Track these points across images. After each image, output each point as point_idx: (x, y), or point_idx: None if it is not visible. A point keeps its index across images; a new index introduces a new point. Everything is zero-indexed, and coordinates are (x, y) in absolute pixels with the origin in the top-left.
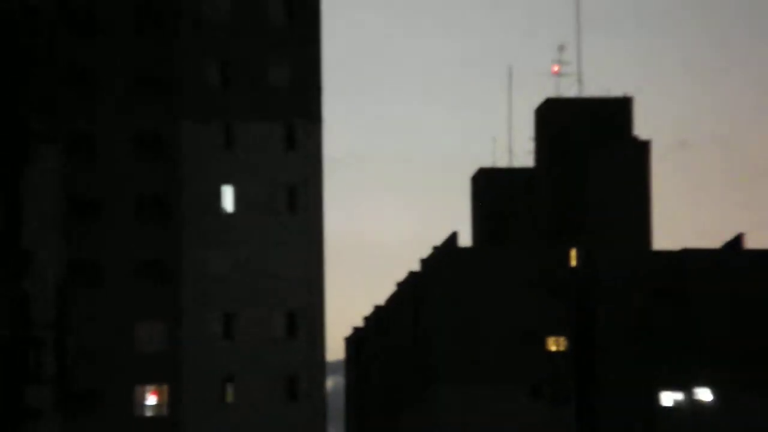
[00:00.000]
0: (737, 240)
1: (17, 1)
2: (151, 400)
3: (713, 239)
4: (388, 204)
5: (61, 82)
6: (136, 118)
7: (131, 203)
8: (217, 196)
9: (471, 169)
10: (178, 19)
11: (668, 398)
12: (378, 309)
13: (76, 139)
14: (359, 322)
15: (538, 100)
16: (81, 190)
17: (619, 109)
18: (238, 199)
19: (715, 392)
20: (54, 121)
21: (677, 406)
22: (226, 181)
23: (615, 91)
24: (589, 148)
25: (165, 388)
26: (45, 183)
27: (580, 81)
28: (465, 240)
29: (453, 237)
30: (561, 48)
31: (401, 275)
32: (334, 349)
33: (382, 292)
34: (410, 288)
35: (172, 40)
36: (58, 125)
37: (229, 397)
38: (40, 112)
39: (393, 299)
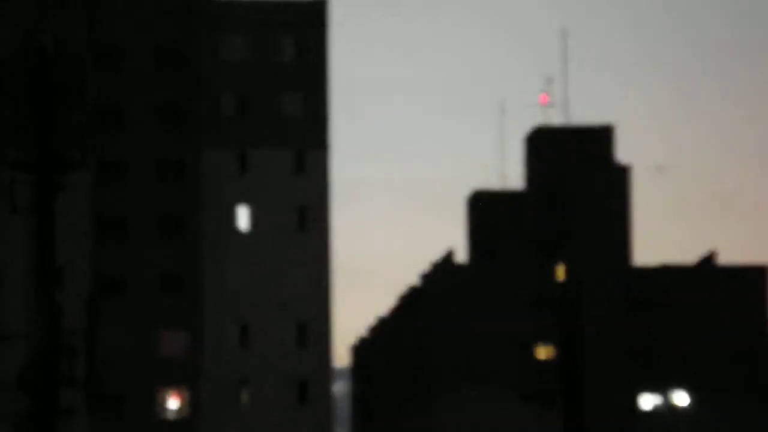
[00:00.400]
0: (710, 257)
1: (50, 38)
2: (173, 402)
3: (688, 256)
4: (391, 224)
5: (91, 113)
6: (160, 146)
7: (155, 222)
8: (233, 217)
9: (466, 192)
10: (198, 56)
11: (648, 401)
12: (381, 320)
13: (104, 164)
14: (364, 333)
15: (527, 128)
16: (108, 211)
17: (602, 136)
18: (253, 219)
19: (690, 395)
20: (84, 149)
21: (656, 409)
22: (242, 203)
23: (598, 120)
24: (574, 172)
25: (185, 391)
26: (76, 205)
27: (566, 111)
28: (461, 257)
29: (449, 254)
30: (549, 81)
31: (402, 289)
32: (341, 357)
33: (384, 304)
34: (410, 301)
35: (193, 75)
36: (89, 152)
37: (244, 400)
38: (72, 140)
39: (395, 311)
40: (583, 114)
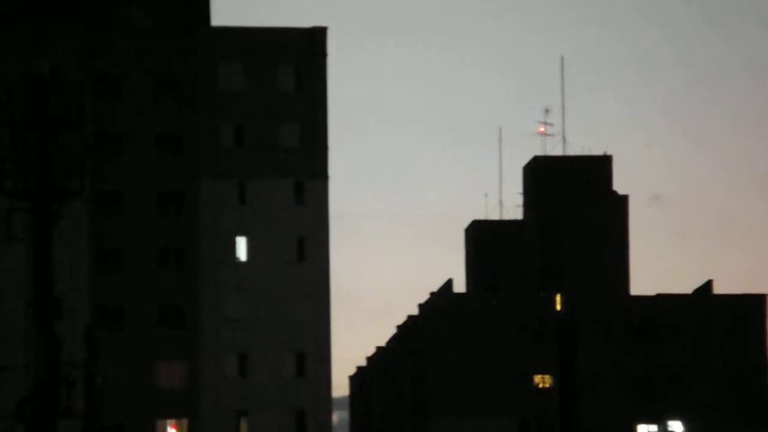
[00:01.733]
0: (707, 286)
1: (48, 67)
2: None
3: (684, 285)
4: (389, 253)
5: (89, 142)
6: (158, 176)
7: (153, 253)
8: (232, 247)
9: (465, 222)
10: (196, 86)
11: (644, 430)
12: (379, 350)
13: (102, 194)
14: (362, 362)
15: (525, 158)
16: (107, 241)
17: (600, 166)
18: (251, 249)
19: (687, 424)
20: (83, 178)
21: None
22: (240, 233)
23: (596, 150)
24: (572, 201)
25: (184, 422)
26: (74, 235)
27: (564, 141)
28: (459, 286)
29: (448, 284)
30: (547, 111)
31: (401, 319)
32: (340, 387)
33: (383, 334)
34: (409, 330)
35: (191, 105)
36: (87, 183)
37: (243, 430)
38: (70, 170)
39: (393, 341)
40: (582, 142)
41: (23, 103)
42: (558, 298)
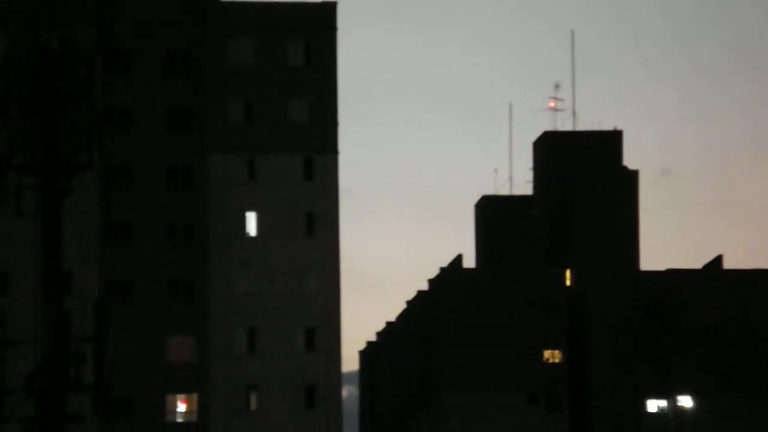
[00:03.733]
0: (716, 261)
1: (57, 41)
2: (181, 407)
3: (695, 260)
4: (399, 229)
5: (99, 117)
6: (168, 152)
7: (163, 228)
8: (241, 222)
9: (475, 197)
10: (206, 61)
11: (653, 405)
12: (389, 324)
13: (111, 170)
14: (372, 337)
15: (536, 134)
16: (116, 217)
17: (610, 141)
18: (261, 224)
19: (695, 399)
20: (91, 154)
21: (661, 412)
22: (250, 208)
23: (606, 125)
24: (582, 177)
25: (194, 396)
26: (83, 210)
27: (574, 116)
28: (469, 262)
29: (458, 259)
30: (557, 86)
31: (411, 294)
32: (350, 361)
33: (393, 309)
34: (419, 305)
35: (200, 80)
36: (96, 157)
37: (253, 405)
38: (79, 145)
39: (403, 316)
40: (591, 119)
41: (32, 77)
42: (568, 273)
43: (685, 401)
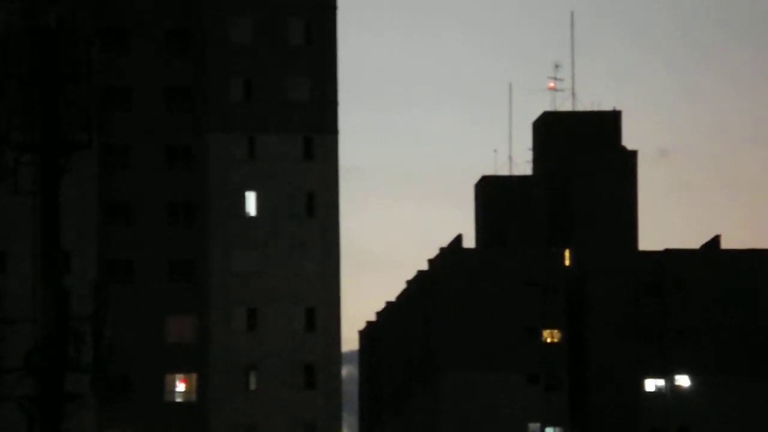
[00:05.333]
0: (714, 241)
1: (55, 18)
2: (180, 387)
3: (693, 240)
4: (399, 208)
5: (97, 95)
6: (167, 131)
7: (162, 208)
8: (241, 202)
9: (475, 177)
10: (205, 40)
11: (651, 384)
12: (389, 304)
13: (110, 148)
14: (372, 317)
15: (535, 114)
16: (116, 196)
17: (609, 121)
18: (261, 204)
19: (692, 378)
20: (90, 133)
21: (659, 391)
22: (250, 188)
23: (605, 105)
24: (581, 157)
25: (193, 376)
26: (82, 189)
27: (573, 96)
28: (469, 242)
29: (458, 239)
30: (557, 66)
31: (411, 274)
32: (349, 341)
33: (393, 289)
34: (419, 285)
35: (200, 59)
36: (95, 136)
37: (252, 384)
38: (78, 124)
39: (403, 296)
40: (591, 99)
41: (30, 55)
42: (567, 253)
43: (683, 380)
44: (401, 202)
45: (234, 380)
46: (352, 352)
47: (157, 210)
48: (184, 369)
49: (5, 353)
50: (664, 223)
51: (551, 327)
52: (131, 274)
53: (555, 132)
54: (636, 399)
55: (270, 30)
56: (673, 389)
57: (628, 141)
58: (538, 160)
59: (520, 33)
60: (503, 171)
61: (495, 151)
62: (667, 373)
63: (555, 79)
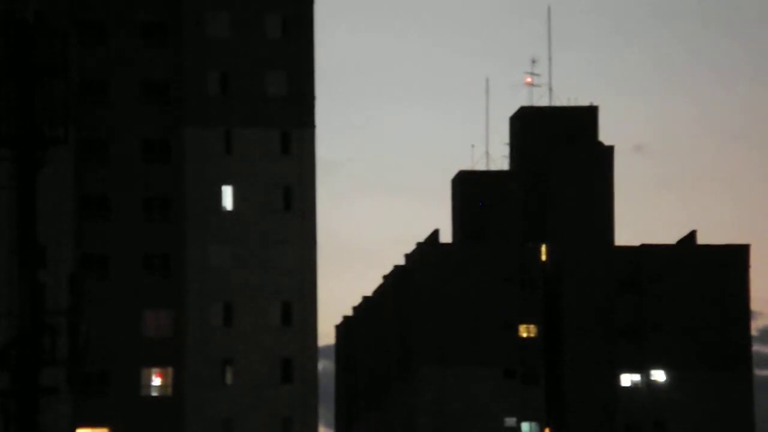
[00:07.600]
0: (690, 236)
1: (31, 12)
2: (156, 381)
3: (669, 235)
4: (376, 203)
5: (74, 89)
6: (143, 125)
7: (139, 202)
8: (217, 196)
9: (452, 172)
10: (183, 34)
11: (627, 379)
12: (366, 299)
13: (87, 142)
14: (349, 311)
15: (512, 109)
16: (91, 190)
17: (586, 116)
18: (237, 198)
19: (668, 373)
20: (66, 127)
21: (635, 386)
22: (226, 182)
23: (582, 100)
24: (558, 152)
25: (169, 370)
26: (58, 183)
27: (550, 92)
28: (446, 237)
29: (435, 234)
30: (534, 62)
31: (387, 269)
32: (326, 336)
33: (370, 284)
34: (395, 280)
35: (177, 53)
36: (71, 131)
37: (229, 379)
38: (54, 118)
39: (380, 290)
40: (568, 93)
41: (6, 49)
42: (543, 248)
43: (659, 375)
44: (378, 196)
45: (210, 375)
46: (328, 347)
47: (133, 204)
48: (160, 363)
49: None
50: (641, 218)
51: (528, 322)
52: (107, 268)
53: (532, 127)
54: (612, 394)
55: (247, 24)
56: (648, 384)
57: (605, 136)
58: (515, 155)
59: (497, 28)
60: (480, 166)
61: (472, 146)
62: (643, 368)
63: (532, 74)
